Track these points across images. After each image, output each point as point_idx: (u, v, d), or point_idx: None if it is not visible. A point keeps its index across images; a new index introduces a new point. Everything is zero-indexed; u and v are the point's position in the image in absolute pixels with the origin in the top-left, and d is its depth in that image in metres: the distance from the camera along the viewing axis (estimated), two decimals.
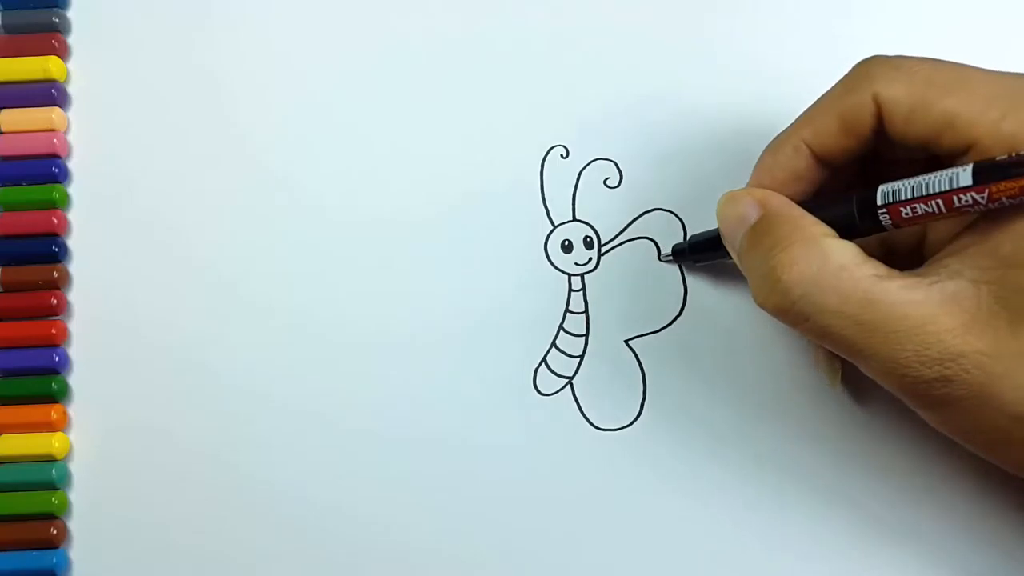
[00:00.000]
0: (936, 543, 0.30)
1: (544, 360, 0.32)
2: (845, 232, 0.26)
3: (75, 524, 0.32)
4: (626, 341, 0.32)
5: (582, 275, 0.32)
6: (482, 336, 0.32)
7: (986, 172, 0.23)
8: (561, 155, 0.33)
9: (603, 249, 0.32)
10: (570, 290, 0.32)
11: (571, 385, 0.32)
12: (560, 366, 0.32)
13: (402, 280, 0.32)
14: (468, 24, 0.33)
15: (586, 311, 0.32)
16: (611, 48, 0.33)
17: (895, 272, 0.25)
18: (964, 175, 0.23)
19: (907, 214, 0.25)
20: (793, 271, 0.25)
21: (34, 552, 0.31)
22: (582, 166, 0.33)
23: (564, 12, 0.33)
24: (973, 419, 0.24)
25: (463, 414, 0.32)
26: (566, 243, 0.32)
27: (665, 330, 0.32)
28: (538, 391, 0.32)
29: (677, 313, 0.32)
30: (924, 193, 0.24)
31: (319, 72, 0.33)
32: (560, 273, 0.32)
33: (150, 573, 0.31)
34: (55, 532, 0.31)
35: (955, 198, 0.24)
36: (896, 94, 0.25)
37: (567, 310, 0.32)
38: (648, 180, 0.32)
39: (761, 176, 0.28)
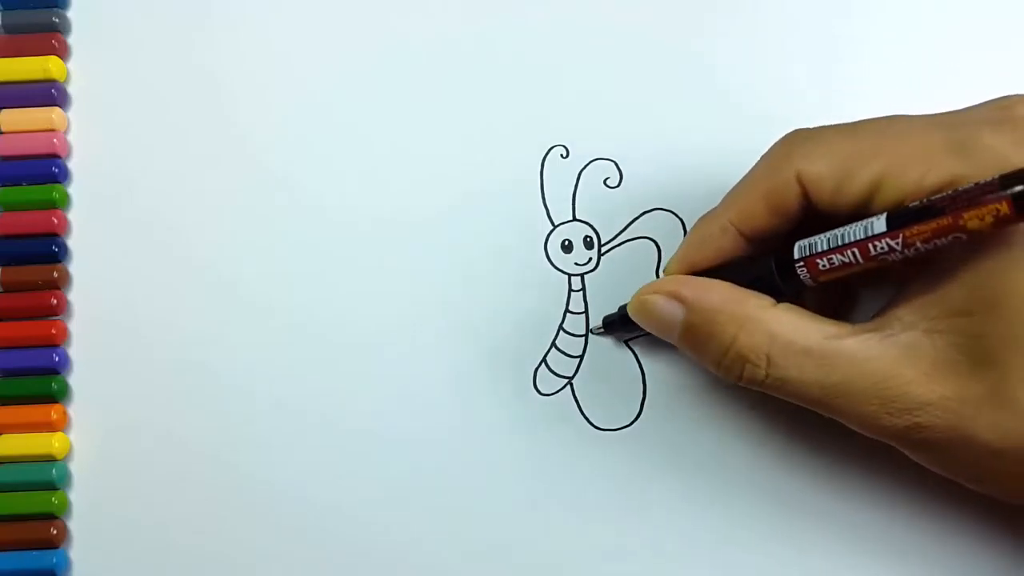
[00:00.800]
0: (938, 536, 0.30)
1: (544, 360, 0.32)
2: (772, 292, 0.26)
3: (75, 524, 0.32)
4: (626, 341, 0.32)
5: (582, 275, 0.32)
6: (482, 336, 0.32)
7: (899, 218, 0.23)
8: (561, 155, 0.33)
9: (603, 249, 0.32)
10: (570, 290, 0.32)
11: (571, 385, 0.32)
12: (560, 366, 0.32)
13: (402, 280, 0.32)
14: (468, 24, 0.33)
15: (586, 311, 0.32)
16: (611, 48, 0.33)
17: (845, 328, 0.25)
18: (878, 223, 0.24)
19: (824, 266, 0.25)
20: (751, 359, 0.26)
21: (34, 552, 0.31)
22: (582, 166, 0.33)
23: (564, 12, 0.33)
24: (954, 458, 0.25)
25: (463, 414, 0.32)
26: (566, 243, 0.32)
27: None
28: (538, 391, 0.32)
29: None
30: (839, 244, 0.24)
31: (319, 72, 0.33)
32: (560, 273, 0.32)
33: (150, 573, 0.31)
34: (55, 532, 0.31)
35: (870, 246, 0.24)
36: (819, 171, 0.25)
37: (567, 310, 0.32)
38: (648, 180, 0.32)
39: (689, 254, 0.28)
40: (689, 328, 0.27)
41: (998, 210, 0.22)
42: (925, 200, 0.23)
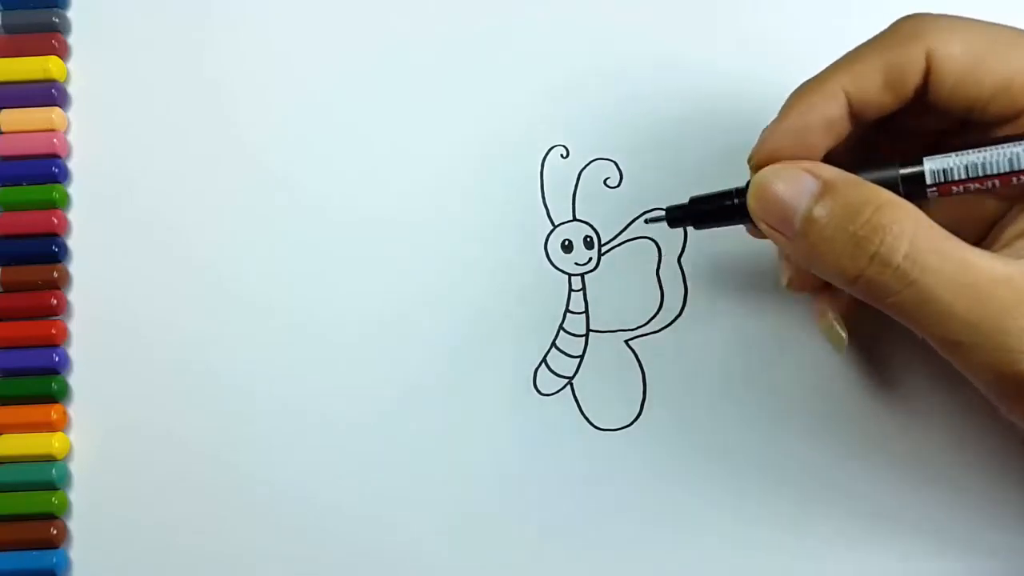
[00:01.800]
0: (939, 535, 0.30)
1: (544, 360, 0.32)
2: None
3: (75, 524, 0.32)
4: (626, 341, 0.32)
5: (582, 275, 0.32)
6: (482, 336, 0.32)
7: None
8: (561, 155, 0.33)
9: (603, 249, 0.32)
10: (570, 290, 0.32)
11: (571, 385, 0.32)
12: (560, 366, 0.32)
13: (402, 280, 0.32)
14: (468, 24, 0.33)
15: (586, 311, 0.32)
16: (611, 48, 0.33)
17: (976, 248, 0.23)
18: None
19: (958, 191, 0.23)
20: (893, 231, 0.22)
21: (34, 552, 0.31)
22: (582, 166, 0.33)
23: (564, 12, 0.33)
24: None
25: (463, 414, 0.32)
26: (566, 243, 0.32)
27: (665, 330, 0.32)
28: (538, 391, 0.32)
29: (677, 313, 0.32)
30: (980, 174, 0.23)
31: (319, 72, 0.33)
32: (560, 273, 0.32)
33: (150, 573, 0.31)
34: (55, 532, 0.31)
35: (1015, 179, 0.22)
36: (953, 52, 0.23)
37: (567, 310, 0.32)
38: (648, 180, 0.32)
39: (792, 120, 0.25)
40: (830, 199, 0.24)
41: None
42: None
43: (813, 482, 0.31)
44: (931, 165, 0.23)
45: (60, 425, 0.32)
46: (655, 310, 0.32)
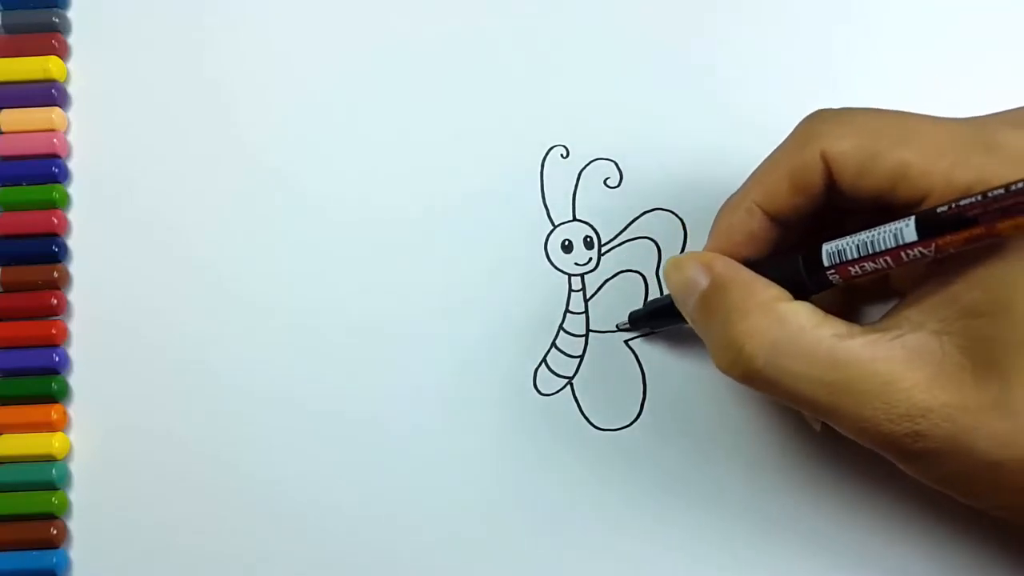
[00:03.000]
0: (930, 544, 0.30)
1: (544, 360, 0.32)
2: (797, 290, 0.26)
3: (75, 524, 0.32)
4: (626, 341, 0.32)
5: (582, 275, 0.32)
6: (482, 336, 0.32)
7: (930, 227, 0.23)
8: (561, 155, 0.33)
9: (603, 249, 0.32)
10: (570, 290, 0.32)
11: (571, 385, 0.32)
12: (560, 366, 0.32)
13: (402, 280, 0.32)
14: (468, 24, 0.33)
15: (586, 311, 0.32)
16: (611, 48, 0.33)
17: (855, 328, 0.25)
18: (908, 231, 0.23)
19: (856, 272, 0.25)
20: (754, 340, 0.25)
21: (34, 552, 0.31)
22: (582, 166, 0.33)
23: (564, 12, 0.33)
24: (949, 469, 0.24)
25: (463, 414, 0.32)
26: (566, 243, 0.32)
27: (665, 330, 0.32)
28: (538, 391, 0.32)
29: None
30: (870, 252, 0.24)
31: (319, 72, 0.33)
32: (560, 273, 0.32)
33: (150, 573, 0.31)
34: (55, 532, 0.31)
35: (902, 254, 0.23)
36: (844, 149, 0.25)
37: (567, 310, 0.32)
38: (648, 180, 0.32)
39: (717, 238, 0.27)
40: (705, 298, 0.26)
41: None
42: (954, 205, 0.22)
43: (813, 483, 0.31)
44: (827, 248, 0.25)
45: (60, 425, 0.32)
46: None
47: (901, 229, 0.23)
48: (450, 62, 0.33)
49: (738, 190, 0.27)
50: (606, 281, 0.32)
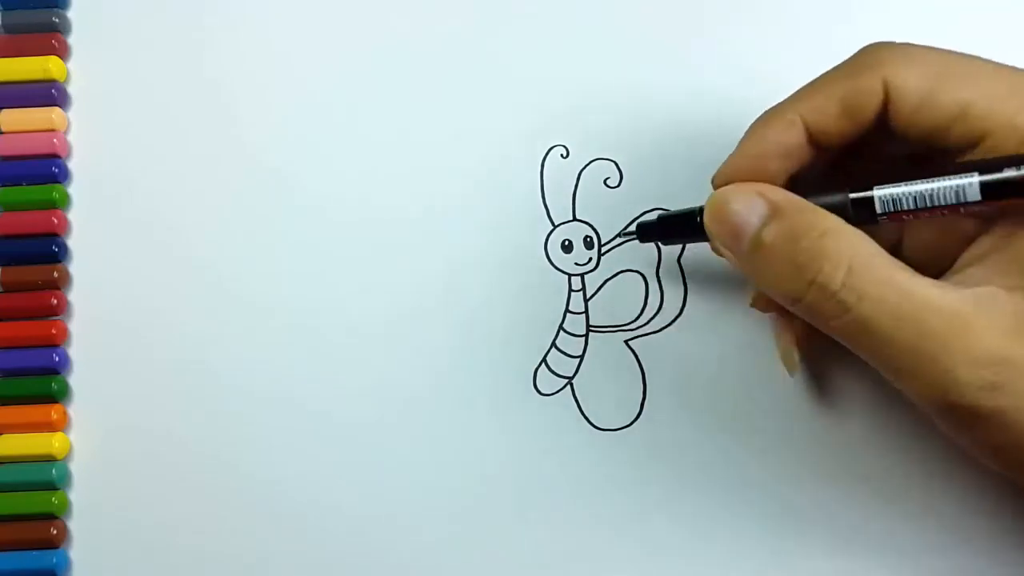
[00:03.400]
0: (933, 534, 0.30)
1: (544, 360, 0.32)
2: None
3: (75, 524, 0.32)
4: (626, 341, 0.32)
5: (582, 275, 0.32)
6: (482, 336, 0.32)
7: (996, 189, 0.22)
8: (561, 155, 0.33)
9: (603, 249, 0.32)
10: (570, 290, 0.32)
11: (571, 385, 0.32)
12: (560, 366, 0.32)
13: (402, 280, 0.32)
14: (468, 24, 0.33)
15: (586, 311, 0.32)
16: (612, 48, 0.33)
17: (917, 273, 0.23)
18: (971, 190, 0.22)
19: (908, 219, 0.24)
20: (831, 259, 0.23)
21: (34, 552, 0.31)
22: (582, 166, 0.33)
23: (564, 12, 0.33)
24: (1016, 434, 0.22)
25: (463, 414, 0.32)
26: (566, 243, 0.32)
27: (665, 330, 0.32)
28: (538, 391, 0.32)
29: (677, 313, 0.32)
30: (928, 204, 0.23)
31: (319, 72, 0.33)
32: (560, 273, 0.32)
33: (150, 573, 0.31)
34: (55, 532, 0.31)
35: (962, 210, 0.23)
36: (908, 81, 0.24)
37: (567, 310, 0.32)
38: (648, 180, 0.32)
39: (750, 147, 0.26)
40: (768, 231, 0.24)
41: None
42: (1021, 168, 0.21)
43: (814, 482, 0.31)
44: (880, 193, 0.24)
45: (60, 425, 0.32)
46: (655, 310, 0.32)
47: (964, 188, 0.22)
48: (450, 62, 0.33)
49: (779, 103, 0.26)
50: (606, 281, 0.32)
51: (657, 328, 0.32)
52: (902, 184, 0.24)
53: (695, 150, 0.32)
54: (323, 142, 0.33)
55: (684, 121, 0.32)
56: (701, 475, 0.31)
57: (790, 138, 0.25)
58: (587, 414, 0.31)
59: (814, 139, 0.25)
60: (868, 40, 0.32)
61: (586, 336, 0.32)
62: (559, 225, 0.32)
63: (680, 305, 0.32)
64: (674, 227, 0.29)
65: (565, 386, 0.32)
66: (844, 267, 0.23)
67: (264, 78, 0.34)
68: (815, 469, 0.31)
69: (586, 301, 0.32)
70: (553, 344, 0.32)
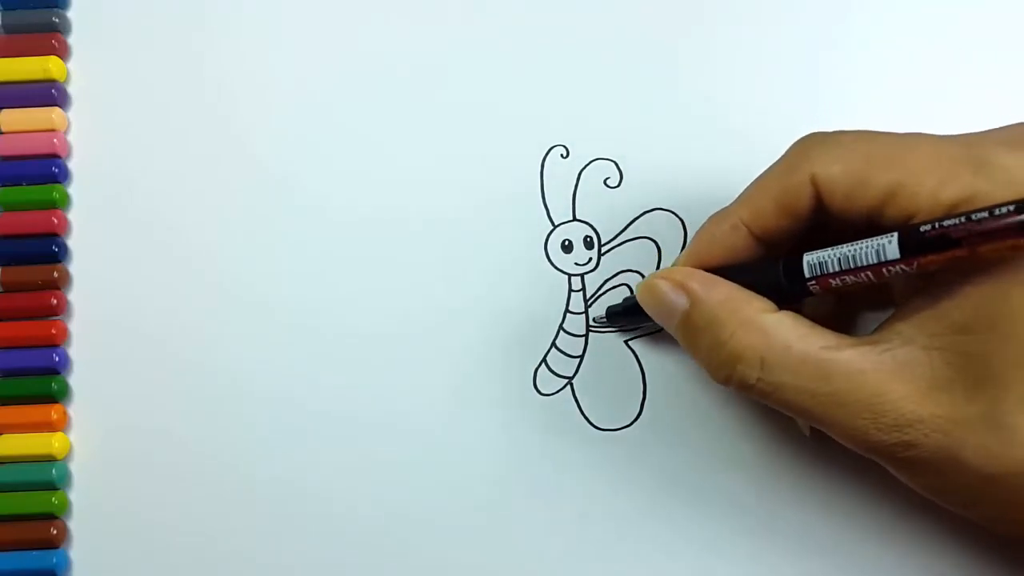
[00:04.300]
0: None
1: (544, 360, 0.32)
2: (776, 296, 0.26)
3: (75, 524, 0.32)
4: (626, 341, 0.32)
5: (582, 275, 0.32)
6: (482, 336, 0.32)
7: (913, 245, 0.23)
8: (561, 155, 0.33)
9: (603, 249, 0.32)
10: (570, 290, 0.32)
11: (571, 385, 0.32)
12: (560, 366, 0.32)
13: (402, 280, 0.32)
14: (468, 24, 0.33)
15: (586, 311, 0.32)
16: (611, 48, 0.33)
17: (844, 339, 0.25)
18: (891, 248, 0.23)
19: (837, 284, 0.25)
20: (744, 357, 0.25)
21: (34, 552, 0.31)
22: (582, 166, 0.33)
23: (564, 12, 0.33)
24: (941, 479, 0.24)
25: (463, 414, 0.32)
26: (566, 243, 0.32)
27: (665, 330, 0.32)
28: (538, 391, 0.32)
29: None
30: (851, 266, 0.24)
31: (319, 73, 0.33)
32: (560, 273, 0.32)
33: (150, 573, 0.31)
34: (55, 532, 0.31)
35: (884, 270, 0.24)
36: (834, 173, 0.25)
37: (567, 310, 0.32)
38: (648, 180, 0.32)
39: (699, 249, 0.28)
40: (688, 320, 0.27)
41: (1016, 244, 0.21)
42: (937, 225, 0.22)
43: (814, 483, 0.31)
44: (808, 259, 0.25)
45: (60, 425, 0.32)
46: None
47: (884, 245, 0.23)
48: (450, 62, 0.33)
49: (727, 206, 0.28)
50: (606, 281, 0.32)
51: (657, 328, 0.32)
52: (828, 248, 0.25)
53: (695, 150, 0.32)
54: (323, 142, 0.33)
55: (684, 121, 0.32)
56: (700, 475, 0.31)
57: (735, 240, 0.27)
58: (587, 414, 0.31)
59: (759, 238, 0.27)
60: (868, 40, 0.33)
61: (586, 336, 0.32)
62: (559, 225, 0.32)
63: None
64: (627, 307, 0.30)
65: (565, 386, 0.32)
66: (756, 364, 0.25)
67: (264, 78, 0.34)
68: (815, 469, 0.31)
69: (586, 301, 0.32)
70: (553, 344, 0.32)
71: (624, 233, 0.32)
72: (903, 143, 0.25)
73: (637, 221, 0.32)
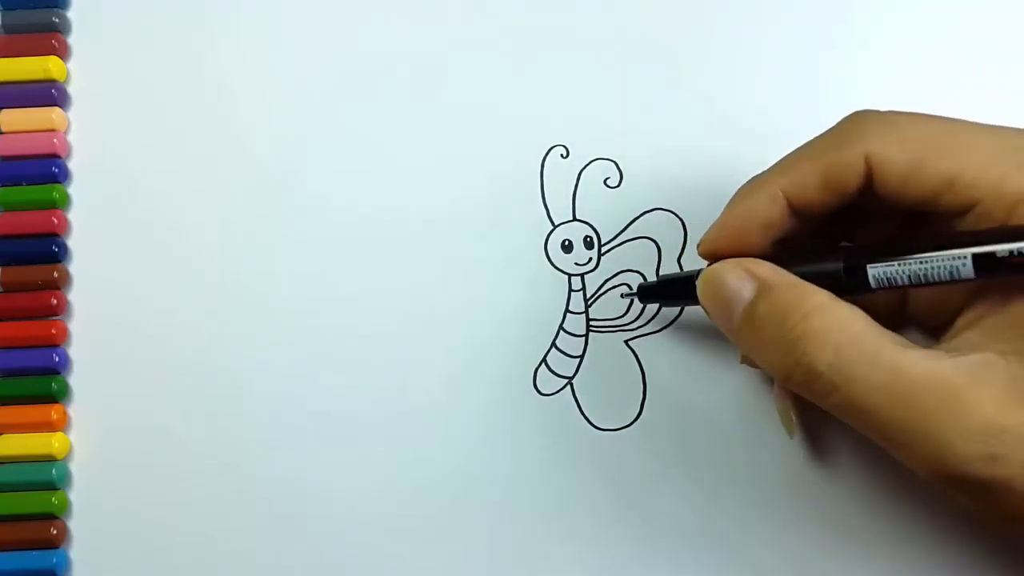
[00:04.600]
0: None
1: (544, 360, 0.32)
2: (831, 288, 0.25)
3: (75, 524, 0.32)
4: (626, 341, 0.32)
5: (582, 275, 0.32)
6: (482, 336, 0.32)
7: (990, 268, 0.22)
8: (561, 155, 0.33)
9: (603, 249, 0.32)
10: (570, 290, 0.32)
11: (571, 385, 0.32)
12: (560, 366, 0.32)
13: (402, 280, 0.32)
14: (468, 24, 0.33)
15: (586, 311, 0.32)
16: (611, 48, 0.33)
17: (912, 344, 0.23)
18: (965, 269, 0.22)
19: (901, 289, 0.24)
20: (817, 342, 0.23)
21: (34, 552, 0.31)
22: (582, 166, 0.33)
23: (564, 12, 0.33)
24: (1018, 502, 0.22)
25: (463, 414, 0.32)
26: (566, 243, 0.32)
27: (665, 330, 0.32)
28: (538, 391, 0.32)
29: (677, 313, 0.32)
30: (922, 282, 0.23)
31: (319, 73, 0.33)
32: (560, 273, 0.32)
33: (150, 573, 0.31)
34: (55, 532, 0.31)
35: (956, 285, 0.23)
36: (891, 155, 0.24)
37: (567, 310, 0.32)
38: (648, 180, 0.32)
39: (732, 219, 0.26)
40: (754, 309, 0.25)
41: None
42: (1017, 252, 0.21)
43: (814, 483, 0.31)
44: (874, 272, 0.24)
45: (60, 425, 0.32)
46: (655, 310, 0.32)
47: (958, 267, 0.22)
48: (450, 62, 0.33)
49: (761, 173, 0.26)
50: (606, 281, 0.32)
51: (657, 328, 0.32)
52: (894, 261, 0.24)
53: (695, 150, 0.32)
54: (323, 142, 0.33)
55: (684, 121, 0.32)
56: (700, 475, 0.31)
57: (772, 211, 0.25)
58: (587, 414, 0.31)
59: (796, 211, 0.25)
60: (868, 40, 0.33)
61: (586, 336, 0.32)
62: (559, 225, 0.32)
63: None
64: (673, 291, 0.29)
65: (565, 386, 0.32)
66: (830, 348, 0.23)
67: (264, 78, 0.34)
68: (815, 469, 0.31)
69: (586, 301, 0.32)
70: (553, 344, 0.32)
71: (624, 233, 0.32)
72: (963, 129, 0.24)
73: (637, 221, 0.32)
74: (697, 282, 0.27)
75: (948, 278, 0.23)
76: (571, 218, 0.32)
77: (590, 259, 0.32)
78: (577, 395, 0.32)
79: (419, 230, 0.32)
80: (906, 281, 0.23)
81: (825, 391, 0.23)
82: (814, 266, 0.25)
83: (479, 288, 0.32)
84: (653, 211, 0.32)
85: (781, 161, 0.26)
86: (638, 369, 0.32)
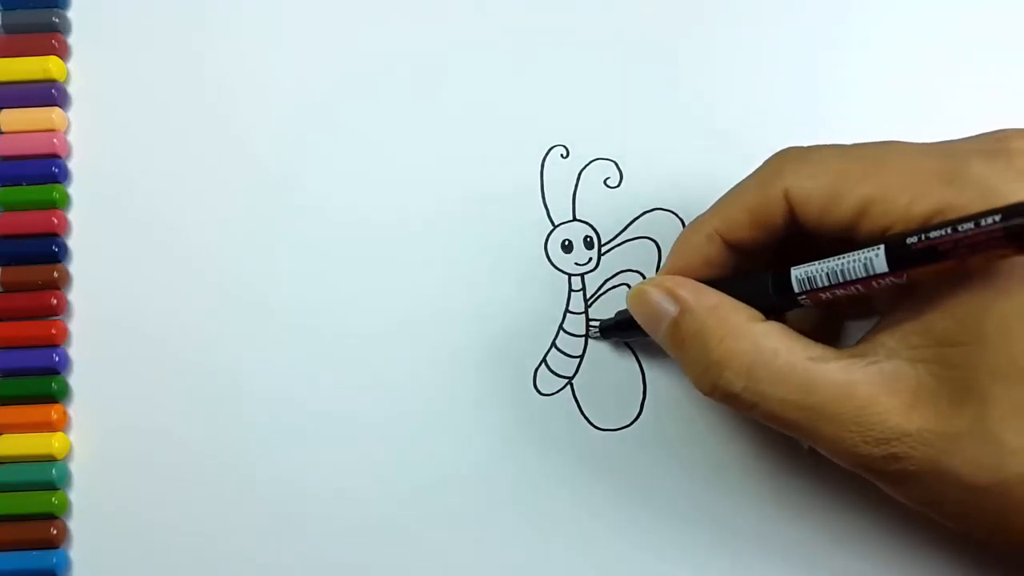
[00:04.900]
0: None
1: (544, 360, 0.32)
2: (766, 310, 0.26)
3: (75, 524, 0.32)
4: (626, 341, 0.32)
5: (582, 275, 0.32)
6: (482, 336, 0.32)
7: (901, 258, 0.23)
8: (561, 155, 0.33)
9: (603, 249, 0.32)
10: (570, 290, 0.32)
11: (571, 385, 0.32)
12: (560, 366, 0.32)
13: (402, 280, 0.32)
14: (468, 24, 0.33)
15: (586, 311, 0.32)
16: (611, 48, 0.33)
17: (829, 351, 0.25)
18: (878, 261, 0.23)
19: (827, 297, 0.25)
20: (731, 366, 0.25)
21: (34, 552, 0.31)
22: (582, 166, 0.33)
23: (564, 12, 0.33)
24: (931, 492, 0.24)
25: (463, 414, 0.32)
26: (566, 243, 0.32)
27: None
28: (538, 391, 0.32)
29: None
30: (840, 280, 0.24)
31: (319, 73, 0.33)
32: (560, 273, 0.32)
33: (150, 573, 0.31)
34: (55, 532, 0.31)
35: (874, 283, 0.24)
36: (808, 188, 0.25)
37: (567, 310, 0.32)
38: (648, 180, 0.32)
39: (675, 260, 0.28)
40: (676, 327, 0.27)
41: (1004, 255, 0.21)
42: (923, 237, 0.22)
43: (813, 483, 0.31)
44: (797, 273, 0.25)
45: (60, 425, 0.32)
46: None
47: (871, 259, 0.23)
48: (450, 62, 0.33)
49: (699, 216, 0.28)
50: (606, 281, 0.32)
51: None
52: (815, 262, 0.25)
53: (695, 150, 0.32)
54: (323, 142, 0.33)
55: (684, 121, 0.32)
56: (700, 475, 0.31)
57: (710, 250, 0.27)
58: (587, 414, 0.31)
59: (733, 247, 0.27)
60: (867, 41, 0.33)
61: (586, 336, 0.32)
62: (559, 225, 0.32)
63: None
64: (621, 321, 0.30)
65: (565, 386, 0.32)
66: (743, 372, 0.25)
67: (264, 78, 0.34)
68: (815, 469, 0.31)
69: (586, 301, 0.32)
70: (553, 344, 0.32)
71: (624, 233, 0.32)
72: (877, 157, 0.25)
73: (637, 221, 0.32)
74: (627, 298, 0.29)
75: (864, 273, 0.23)
76: (571, 218, 0.32)
77: (590, 259, 0.32)
78: (577, 395, 0.32)
79: (419, 230, 0.32)
80: (825, 280, 0.24)
81: (745, 407, 0.25)
82: (745, 285, 0.26)
83: (479, 288, 0.32)
84: (653, 211, 0.32)
85: (716, 203, 0.28)
86: (638, 369, 0.32)
